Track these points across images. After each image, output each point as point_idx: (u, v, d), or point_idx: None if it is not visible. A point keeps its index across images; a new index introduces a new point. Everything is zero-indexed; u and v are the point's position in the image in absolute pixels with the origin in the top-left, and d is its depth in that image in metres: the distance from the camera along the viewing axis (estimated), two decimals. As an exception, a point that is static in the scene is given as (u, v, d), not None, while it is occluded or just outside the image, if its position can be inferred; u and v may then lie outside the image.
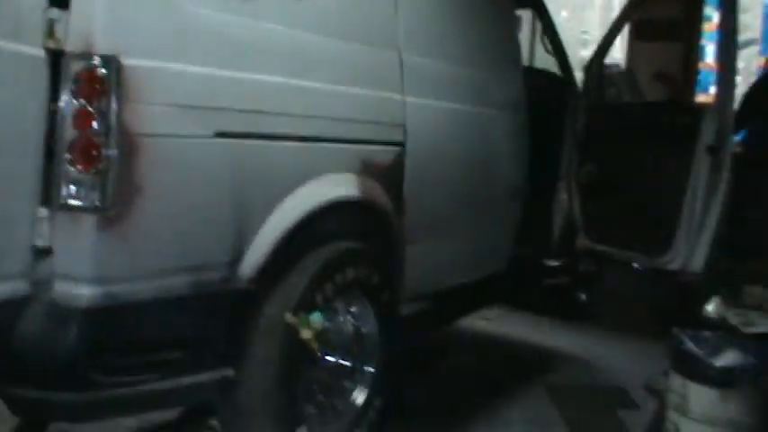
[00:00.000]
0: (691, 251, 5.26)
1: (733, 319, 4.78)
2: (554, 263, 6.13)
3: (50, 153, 2.72)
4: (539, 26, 6.67)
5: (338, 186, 3.59)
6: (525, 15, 6.86)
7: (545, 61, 6.76)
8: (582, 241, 5.89)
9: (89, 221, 2.71)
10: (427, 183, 4.19)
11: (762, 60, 8.95)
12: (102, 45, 2.69)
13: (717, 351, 3.83)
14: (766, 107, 6.32)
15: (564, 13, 11.32)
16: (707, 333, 4.11)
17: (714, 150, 5.14)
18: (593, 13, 11.62)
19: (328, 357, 3.69)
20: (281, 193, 3.29)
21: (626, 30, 8.73)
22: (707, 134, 5.16)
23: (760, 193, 6.09)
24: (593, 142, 5.91)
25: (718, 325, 4.69)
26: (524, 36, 7.47)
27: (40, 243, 2.72)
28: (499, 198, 5.14)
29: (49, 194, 2.72)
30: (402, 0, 4.06)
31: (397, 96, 3.98)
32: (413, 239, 4.11)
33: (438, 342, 5.78)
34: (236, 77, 3.09)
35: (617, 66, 7.41)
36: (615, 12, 8.45)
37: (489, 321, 6.57)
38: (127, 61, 2.72)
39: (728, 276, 5.61)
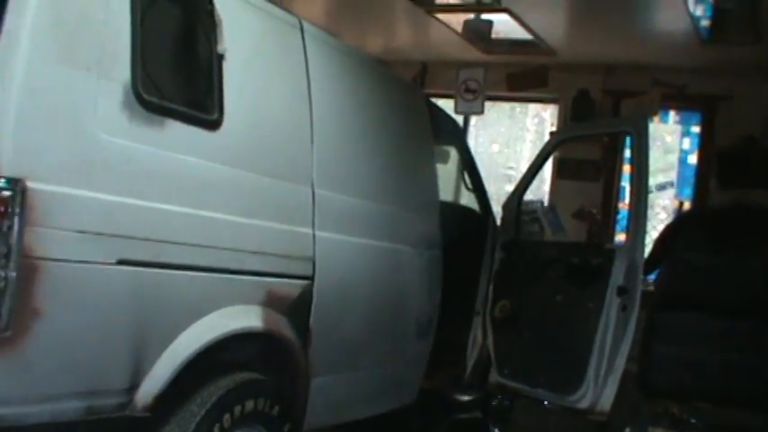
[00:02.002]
0: (600, 390, 5.31)
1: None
2: (466, 397, 6.15)
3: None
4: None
5: (241, 318, 3.59)
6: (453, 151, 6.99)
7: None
8: (494, 377, 5.92)
9: (-18, 342, 2.67)
10: (335, 317, 4.22)
11: (676, 202, 9.22)
12: (9, 167, 2.70)
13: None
14: (677, 248, 6.47)
15: (495, 147, 11.53)
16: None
17: (624, 291, 5.25)
18: (524, 148, 11.82)
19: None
20: (182, 322, 3.29)
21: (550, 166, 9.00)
22: (617, 275, 5.28)
23: (669, 332, 6.21)
24: (508, 278, 5.99)
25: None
26: (452, 170, 7.60)
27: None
28: (408, 333, 5.17)
29: (-58, 312, 2.69)
30: (317, 136, 4.14)
31: (307, 230, 4.03)
32: (317, 372, 4.11)
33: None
34: (142, 206, 3.11)
35: (540, 202, 7.54)
36: (544, 146, 8.67)
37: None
38: (32, 185, 2.73)
39: (636, 414, 5.67)
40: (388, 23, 8.93)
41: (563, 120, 9.48)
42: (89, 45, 2.99)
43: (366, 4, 8.13)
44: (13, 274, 2.69)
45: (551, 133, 8.85)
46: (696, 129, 9.27)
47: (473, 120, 9.95)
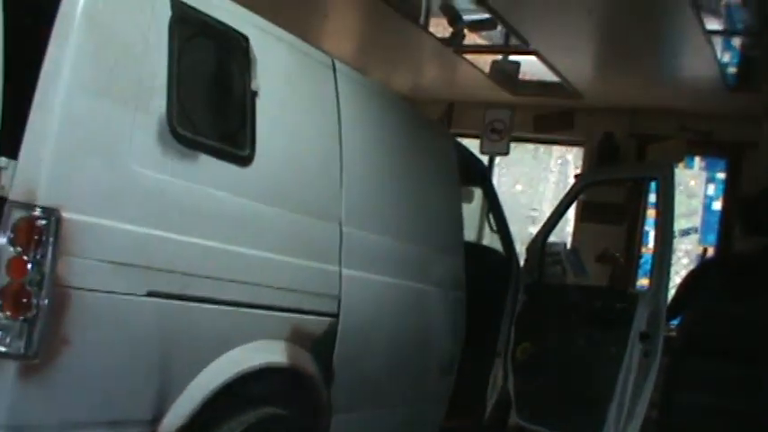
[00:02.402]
0: (620, 435, 5.29)
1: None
2: (486, 438, 6.14)
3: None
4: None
5: (266, 353, 3.61)
6: (478, 191, 7.01)
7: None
8: (514, 419, 5.91)
9: (11, 368, 2.71)
10: (358, 354, 4.23)
11: (700, 248, 9.18)
12: (45, 197, 2.75)
13: None
14: (702, 293, 6.45)
15: (518, 187, 11.54)
16: None
17: (646, 336, 5.24)
18: (547, 189, 11.81)
19: None
20: (208, 355, 3.32)
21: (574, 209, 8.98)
22: (640, 321, 5.28)
23: (692, 379, 6.17)
24: (531, 321, 5.99)
25: None
26: (476, 210, 7.62)
27: (-41, 385, 2.71)
28: (431, 372, 5.18)
29: (-26, 338, 2.72)
30: (346, 174, 4.17)
31: (333, 268, 4.05)
32: (339, 409, 4.11)
33: None
34: (172, 239, 3.15)
35: (564, 244, 7.53)
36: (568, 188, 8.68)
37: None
38: (67, 214, 2.77)
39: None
40: (416, 62, 9.00)
41: (588, 162, 9.47)
42: (127, 78, 3.05)
43: (395, 44, 8.19)
44: (45, 301, 2.74)
45: (577, 176, 8.87)
46: (721, 175, 9.25)
47: (496, 159, 9.98)
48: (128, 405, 3.07)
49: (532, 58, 7.87)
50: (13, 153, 2.77)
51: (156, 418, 3.13)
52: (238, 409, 3.49)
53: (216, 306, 3.35)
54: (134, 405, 3.08)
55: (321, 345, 3.96)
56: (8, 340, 2.71)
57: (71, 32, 2.85)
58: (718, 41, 6.79)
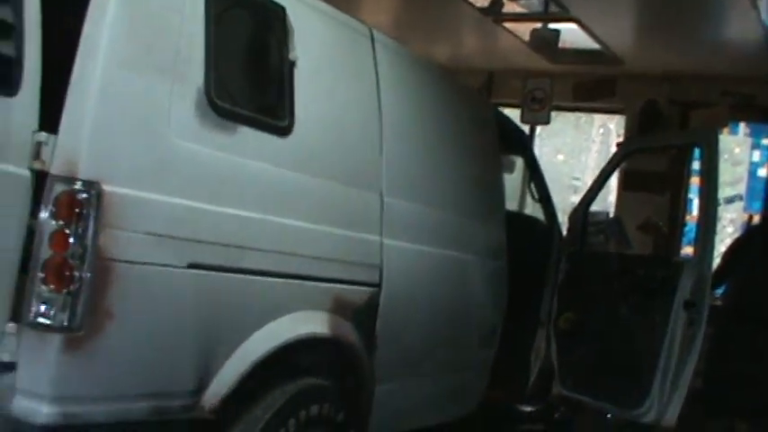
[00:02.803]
0: (665, 404, 5.25)
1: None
2: (529, 408, 6.12)
3: (24, 269, 2.76)
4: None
5: (308, 323, 3.62)
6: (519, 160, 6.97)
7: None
8: (558, 388, 5.89)
9: (55, 340, 2.74)
10: (400, 324, 4.22)
11: (745, 216, 9.07)
12: (85, 170, 2.76)
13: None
14: (747, 261, 6.39)
15: (560, 157, 11.47)
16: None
17: (691, 305, 5.18)
18: (589, 158, 11.73)
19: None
20: (249, 326, 3.32)
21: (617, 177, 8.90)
22: (684, 289, 5.22)
23: (737, 348, 6.12)
24: (573, 290, 5.95)
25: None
26: (517, 180, 7.58)
27: (5, 357, 2.75)
28: (472, 342, 5.18)
29: (18, 310, 2.76)
30: (386, 143, 4.16)
31: (375, 238, 4.04)
32: (382, 379, 4.12)
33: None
34: (213, 211, 3.15)
35: (606, 213, 7.48)
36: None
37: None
38: (108, 188, 2.79)
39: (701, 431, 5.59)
40: (455, 32, 8.92)
41: (629, 130, 9.37)
42: (164, 51, 3.05)
43: (434, 13, 8.12)
44: (88, 274, 2.76)
45: (618, 144, 8.77)
46: (767, 141, 9.11)
47: (537, 129, 9.90)
48: (171, 376, 3.09)
49: (572, 25, 7.77)
50: (52, 128, 2.79)
51: (200, 389, 3.15)
52: (281, 380, 3.49)
53: (257, 277, 3.35)
54: (177, 376, 3.10)
55: (363, 315, 3.96)
56: (52, 313, 2.74)
57: (107, 6, 2.85)
58: (762, 4, 6.66)
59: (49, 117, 2.80)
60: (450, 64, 9.18)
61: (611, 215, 7.64)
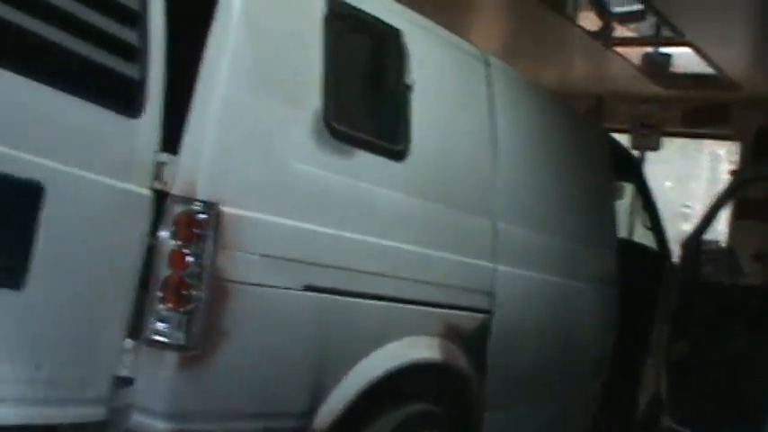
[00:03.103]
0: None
1: None
2: (637, 440, 6.00)
3: (143, 288, 2.80)
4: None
5: (420, 348, 3.60)
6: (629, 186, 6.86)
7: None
8: (667, 421, 5.75)
9: (172, 358, 2.77)
10: (511, 351, 4.18)
11: None
12: (205, 191, 2.79)
13: None
14: None
15: (668, 183, 11.25)
16: None
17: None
18: (698, 185, 11.48)
19: None
20: (362, 350, 3.32)
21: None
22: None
23: None
24: (686, 319, 5.81)
25: None
26: (625, 206, 7.45)
27: (123, 373, 2.79)
28: (582, 371, 5.10)
29: (136, 327, 2.80)
30: (500, 168, 4.13)
31: (487, 264, 4.01)
32: (491, 406, 4.08)
33: None
34: (329, 233, 3.16)
35: (717, 242, 7.32)
36: (720, 184, 8.40)
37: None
38: (226, 209, 2.82)
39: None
40: (564, 56, 8.86)
41: (743, 157, 9.13)
42: (283, 74, 3.09)
43: (543, 38, 8.10)
44: (205, 294, 2.78)
45: (732, 172, 8.56)
46: None
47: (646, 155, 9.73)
48: (283, 397, 3.10)
49: (685, 49, 7.63)
50: (173, 149, 2.83)
51: (310, 411, 3.15)
52: (391, 405, 3.48)
53: (370, 301, 3.35)
54: (289, 397, 3.12)
55: (473, 341, 3.92)
56: (169, 331, 2.77)
57: (229, 29, 2.90)
58: None
59: (170, 138, 2.84)
60: (559, 88, 9.08)
61: (723, 244, 7.46)
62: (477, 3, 7.74)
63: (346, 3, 3.32)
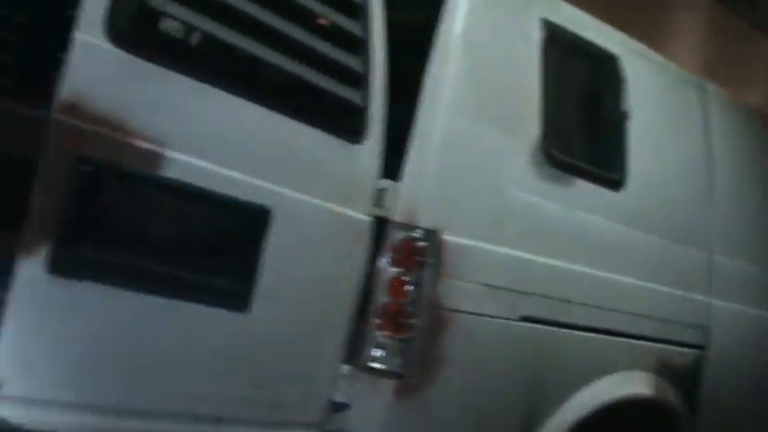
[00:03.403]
0: None
1: None
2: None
3: (360, 313, 2.81)
4: None
5: (632, 383, 3.50)
6: None
7: None
8: None
9: (388, 386, 2.77)
10: (725, 390, 4.01)
11: None
12: (426, 219, 2.79)
13: None
14: None
15: None
16: None
17: None
18: None
19: None
20: (575, 383, 3.25)
21: None
22: None
23: None
24: None
25: None
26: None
27: (339, 398, 2.79)
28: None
29: (353, 354, 2.80)
30: (717, 199, 3.99)
31: (702, 297, 3.86)
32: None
33: None
34: (546, 263, 3.12)
35: None
36: None
37: None
38: (447, 237, 2.80)
39: None
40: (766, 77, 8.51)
41: None
42: (502, 102, 3.06)
43: (744, 56, 7.80)
44: (424, 323, 2.77)
45: None
46: None
47: None
48: (495, 429, 3.06)
49: None
50: (394, 175, 2.83)
51: (520, 443, 3.10)
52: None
53: (585, 333, 3.28)
54: (500, 431, 3.07)
55: (686, 378, 3.79)
56: (386, 359, 2.77)
57: (451, 55, 2.90)
58: None
59: (391, 165, 2.85)
60: (765, 109, 8.76)
61: None
62: (674, 23, 7.53)
63: (563, 28, 3.28)
